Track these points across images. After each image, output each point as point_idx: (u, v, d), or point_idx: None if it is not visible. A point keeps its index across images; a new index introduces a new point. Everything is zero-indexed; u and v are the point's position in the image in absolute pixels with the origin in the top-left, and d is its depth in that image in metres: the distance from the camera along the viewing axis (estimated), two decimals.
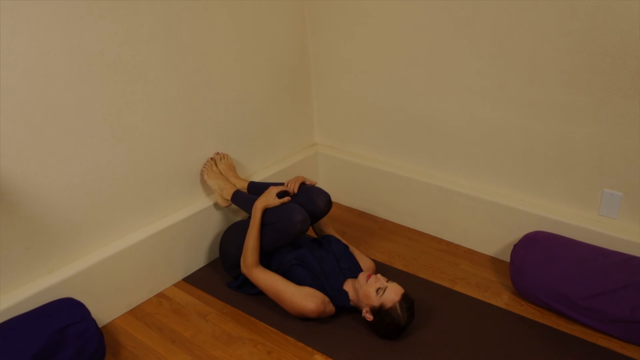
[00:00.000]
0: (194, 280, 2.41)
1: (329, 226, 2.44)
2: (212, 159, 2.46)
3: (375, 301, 1.95)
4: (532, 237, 2.15)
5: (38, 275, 1.98)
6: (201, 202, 2.45)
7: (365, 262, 2.27)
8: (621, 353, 1.91)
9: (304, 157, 2.92)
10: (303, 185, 2.28)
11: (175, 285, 2.39)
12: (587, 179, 2.15)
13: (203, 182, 2.46)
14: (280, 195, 2.20)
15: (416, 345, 1.99)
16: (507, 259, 2.43)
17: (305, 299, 2.03)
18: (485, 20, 2.16)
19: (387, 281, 1.99)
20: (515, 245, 2.18)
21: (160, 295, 2.32)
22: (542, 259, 2.06)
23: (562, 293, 2.00)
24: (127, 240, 2.19)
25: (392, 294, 1.94)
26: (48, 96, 1.84)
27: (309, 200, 2.21)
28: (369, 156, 2.85)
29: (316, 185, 2.33)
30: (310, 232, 2.59)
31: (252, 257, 2.13)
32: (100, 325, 2.13)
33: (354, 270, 2.19)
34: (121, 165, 2.13)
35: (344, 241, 2.32)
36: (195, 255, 2.46)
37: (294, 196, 2.24)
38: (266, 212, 2.16)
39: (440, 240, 2.63)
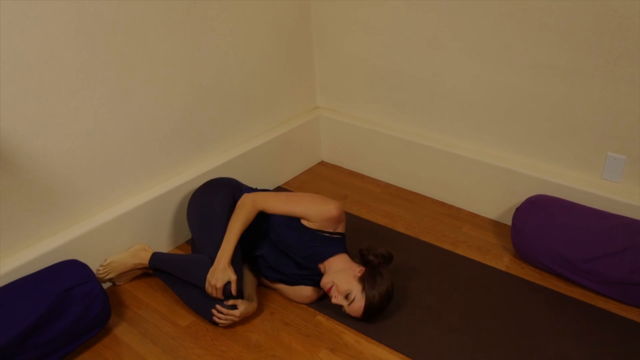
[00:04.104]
0: None
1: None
2: (102, 280, 2.11)
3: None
4: (534, 201, 2.15)
5: (42, 238, 1.99)
6: (203, 165, 2.45)
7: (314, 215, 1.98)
8: (619, 314, 1.94)
9: (306, 120, 2.90)
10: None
11: (178, 247, 2.41)
12: (591, 143, 2.14)
13: (120, 284, 2.20)
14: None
15: (417, 307, 2.01)
16: (509, 222, 2.44)
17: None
18: None
19: (347, 297, 1.86)
20: (517, 209, 2.18)
21: None
22: (544, 223, 2.07)
23: (563, 256, 2.02)
24: (129, 203, 2.20)
25: (353, 314, 1.89)
26: (46, 58, 1.82)
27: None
28: (372, 119, 2.83)
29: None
30: None
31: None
32: (104, 287, 2.15)
33: (317, 253, 1.97)
34: (122, 129, 2.12)
35: (287, 211, 2.01)
36: None
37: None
38: (181, 270, 1.99)
39: (442, 204, 2.64)
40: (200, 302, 1.96)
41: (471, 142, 2.49)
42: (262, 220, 2.06)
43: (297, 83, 2.85)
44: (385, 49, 2.58)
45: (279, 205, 2.01)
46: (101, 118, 2.04)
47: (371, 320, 1.95)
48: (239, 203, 2.02)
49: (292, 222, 2.00)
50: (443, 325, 1.93)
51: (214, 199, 2.09)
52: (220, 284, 1.86)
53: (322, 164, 3.09)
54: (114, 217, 2.13)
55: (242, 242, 2.08)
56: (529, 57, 2.15)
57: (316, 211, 1.95)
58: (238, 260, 1.99)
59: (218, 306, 1.90)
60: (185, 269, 1.99)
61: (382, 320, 1.95)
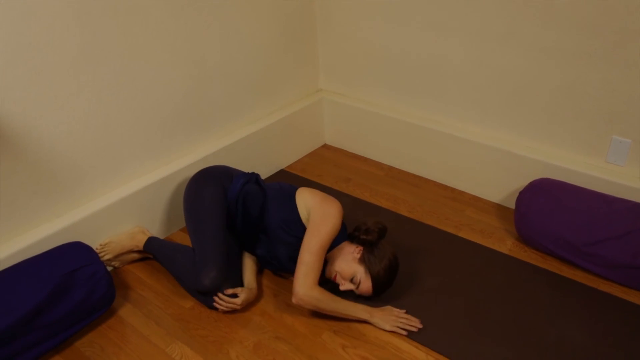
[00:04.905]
0: None
1: None
2: (102, 260, 2.07)
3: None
4: (538, 184, 2.15)
5: (46, 220, 2.00)
6: (206, 148, 2.44)
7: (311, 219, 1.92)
8: (622, 297, 1.94)
9: (309, 103, 2.89)
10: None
11: (182, 230, 2.41)
12: (596, 126, 2.13)
13: (119, 265, 2.18)
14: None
15: (420, 290, 2.02)
16: (512, 205, 2.44)
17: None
18: None
19: (352, 281, 1.87)
20: (520, 192, 2.18)
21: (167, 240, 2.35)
22: (547, 206, 2.06)
23: (566, 239, 2.01)
24: (132, 186, 2.20)
25: (364, 294, 1.90)
26: (48, 40, 1.80)
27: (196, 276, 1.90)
28: (375, 102, 2.81)
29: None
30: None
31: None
32: (109, 269, 2.17)
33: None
34: (125, 111, 2.11)
35: (324, 251, 1.86)
36: None
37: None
38: (172, 262, 2.02)
39: (445, 187, 2.64)
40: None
41: (475, 125, 2.48)
42: (259, 221, 2.02)
43: (300, 65, 2.84)
44: (389, 32, 2.55)
45: (316, 258, 1.83)
46: (103, 100, 2.03)
47: (384, 293, 1.95)
48: (314, 299, 1.81)
49: (291, 228, 1.95)
50: (445, 308, 1.94)
51: (203, 192, 2.05)
52: (402, 320, 1.86)
53: (325, 146, 3.08)
54: (118, 199, 2.13)
55: (240, 242, 2.09)
56: (534, 40, 2.12)
57: (334, 228, 1.86)
58: (237, 251, 2.04)
59: (220, 294, 1.90)
60: (171, 258, 2.02)
61: (385, 302, 1.96)
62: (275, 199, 2.01)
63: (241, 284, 2.00)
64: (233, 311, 1.96)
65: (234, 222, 2.05)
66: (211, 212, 1.99)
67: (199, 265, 1.89)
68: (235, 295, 1.92)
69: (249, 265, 2.08)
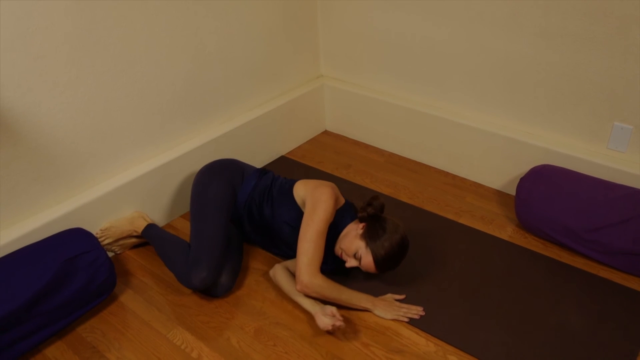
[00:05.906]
0: None
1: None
2: (103, 245, 2.10)
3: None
4: (539, 171, 2.14)
5: (46, 206, 2.00)
6: (206, 135, 2.44)
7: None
8: (621, 284, 1.95)
9: (310, 89, 2.88)
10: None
11: (183, 216, 2.42)
12: (598, 112, 2.12)
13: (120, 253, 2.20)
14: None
15: (421, 276, 2.02)
16: (513, 192, 2.44)
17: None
18: None
19: (355, 257, 1.86)
20: (521, 179, 2.18)
21: (168, 226, 2.35)
22: (548, 192, 2.06)
23: (566, 226, 2.02)
24: (133, 172, 2.20)
25: (370, 270, 1.89)
26: (46, 24, 1.79)
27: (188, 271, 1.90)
28: (376, 88, 2.80)
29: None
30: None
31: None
32: (110, 255, 2.17)
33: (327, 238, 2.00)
34: (125, 97, 2.10)
35: (322, 237, 1.86)
36: None
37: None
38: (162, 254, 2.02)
39: (446, 174, 2.63)
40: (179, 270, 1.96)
41: (476, 111, 2.47)
42: (267, 222, 2.04)
43: (301, 51, 2.82)
44: (390, 18, 2.53)
45: (315, 245, 1.83)
46: (103, 86, 2.02)
47: (391, 269, 1.91)
48: (318, 286, 1.81)
49: (298, 224, 1.98)
50: (445, 294, 1.94)
51: (209, 189, 2.04)
52: (404, 309, 1.88)
53: (325, 133, 3.07)
54: (119, 185, 2.13)
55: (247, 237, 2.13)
56: (536, 24, 2.11)
57: (327, 212, 1.86)
58: (239, 244, 2.06)
59: (333, 325, 1.76)
60: (166, 250, 2.02)
61: (385, 289, 1.97)
62: (278, 200, 2.03)
63: (236, 275, 2.01)
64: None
65: (242, 221, 2.10)
66: (213, 211, 1.99)
67: (191, 263, 1.89)
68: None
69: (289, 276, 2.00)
